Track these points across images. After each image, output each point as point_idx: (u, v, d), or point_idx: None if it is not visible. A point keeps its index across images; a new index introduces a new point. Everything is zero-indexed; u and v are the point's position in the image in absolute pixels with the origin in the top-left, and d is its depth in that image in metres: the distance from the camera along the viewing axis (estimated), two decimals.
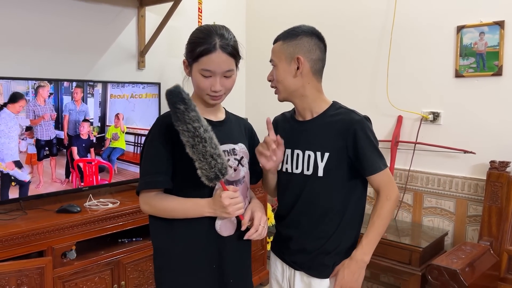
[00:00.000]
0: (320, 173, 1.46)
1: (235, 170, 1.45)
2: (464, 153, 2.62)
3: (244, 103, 3.72)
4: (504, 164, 2.42)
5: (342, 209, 1.48)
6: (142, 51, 2.90)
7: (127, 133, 2.62)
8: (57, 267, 2.00)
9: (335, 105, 1.52)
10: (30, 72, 2.32)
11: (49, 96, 2.25)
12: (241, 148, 1.50)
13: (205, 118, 1.45)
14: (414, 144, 2.80)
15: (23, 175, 2.18)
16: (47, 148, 2.28)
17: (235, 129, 1.55)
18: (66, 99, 2.33)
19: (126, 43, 2.85)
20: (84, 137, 2.44)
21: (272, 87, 1.53)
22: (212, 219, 1.41)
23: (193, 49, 1.38)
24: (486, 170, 2.48)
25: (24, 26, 2.36)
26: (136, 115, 2.65)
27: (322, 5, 3.21)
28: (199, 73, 1.38)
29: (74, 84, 2.35)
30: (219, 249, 1.43)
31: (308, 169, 1.48)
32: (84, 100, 2.41)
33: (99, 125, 2.50)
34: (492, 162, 2.44)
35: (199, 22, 2.72)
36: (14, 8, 2.31)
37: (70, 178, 2.36)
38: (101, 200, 2.35)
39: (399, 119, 2.86)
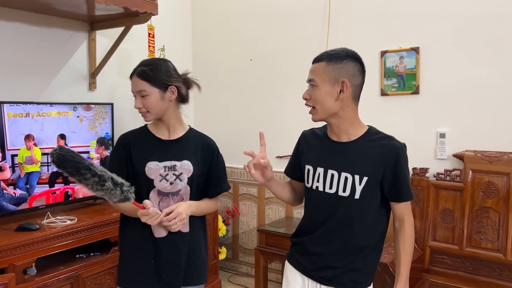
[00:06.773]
0: (357, 195, 1.49)
1: (171, 183, 1.70)
2: None
3: (193, 121, 3.88)
4: (424, 171, 2.79)
5: (374, 231, 1.54)
6: (93, 73, 3.01)
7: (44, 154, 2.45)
8: (19, 283, 2.06)
9: (372, 130, 1.56)
10: None
11: None
12: (183, 164, 1.72)
13: (157, 137, 1.75)
14: None
15: None
16: None
17: (188, 147, 1.76)
18: None
19: (77, 65, 2.95)
20: None
21: (308, 105, 1.56)
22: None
23: None
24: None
25: None
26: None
27: (260, 33, 3.49)
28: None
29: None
30: (155, 247, 1.70)
31: (344, 191, 1.50)
32: None
33: None
34: (414, 168, 2.79)
35: (149, 46, 2.88)
36: None
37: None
38: (58, 217, 2.42)
39: None
